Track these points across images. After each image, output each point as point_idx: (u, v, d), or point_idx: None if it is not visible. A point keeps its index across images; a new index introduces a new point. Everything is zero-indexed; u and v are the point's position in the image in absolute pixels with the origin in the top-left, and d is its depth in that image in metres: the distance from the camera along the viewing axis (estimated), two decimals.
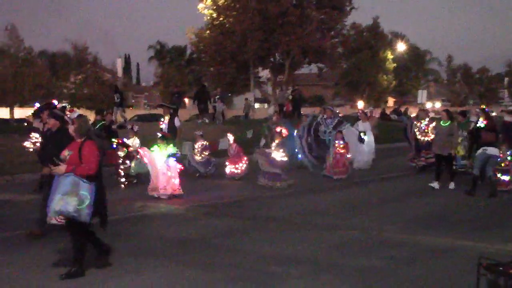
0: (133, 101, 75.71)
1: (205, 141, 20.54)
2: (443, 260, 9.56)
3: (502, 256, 7.07)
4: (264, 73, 51.65)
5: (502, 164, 16.40)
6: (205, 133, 22.06)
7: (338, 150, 19.65)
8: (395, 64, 70.02)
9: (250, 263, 9.39)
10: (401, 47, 73.09)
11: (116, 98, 34.38)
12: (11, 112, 47.84)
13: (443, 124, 17.23)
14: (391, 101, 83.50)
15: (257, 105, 45.02)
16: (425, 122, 20.86)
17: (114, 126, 21.18)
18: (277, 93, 46.06)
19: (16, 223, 12.68)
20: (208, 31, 44.47)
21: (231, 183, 18.58)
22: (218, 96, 42.21)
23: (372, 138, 23.10)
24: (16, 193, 16.68)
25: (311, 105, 70.30)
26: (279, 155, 17.41)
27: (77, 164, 8.51)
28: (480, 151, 16.15)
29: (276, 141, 17.78)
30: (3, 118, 43.18)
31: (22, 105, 48.61)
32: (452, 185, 17.04)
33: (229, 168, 19.58)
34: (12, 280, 8.69)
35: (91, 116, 44.87)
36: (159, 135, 16.51)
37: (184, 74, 62.00)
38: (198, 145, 20.42)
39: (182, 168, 16.32)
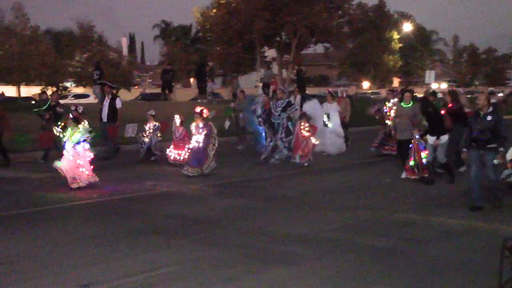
0: (138, 80, 75.51)
1: (157, 122, 19.05)
2: (458, 241, 9.56)
3: None
4: (270, 53, 51.46)
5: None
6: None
7: (302, 133, 17.98)
8: (401, 44, 69.77)
9: (264, 243, 9.43)
10: (407, 27, 72.68)
11: (95, 75, 33.77)
12: (18, 90, 47.90)
13: (404, 106, 15.88)
14: (396, 82, 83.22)
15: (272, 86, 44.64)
16: (389, 104, 19.10)
17: (59, 109, 19.56)
18: (262, 71, 45.43)
19: (26, 200, 12.89)
20: (214, 10, 44.28)
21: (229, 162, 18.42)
22: (213, 76, 42.03)
23: (337, 121, 21.13)
24: (24, 171, 16.80)
25: (316, 85, 70.20)
26: (201, 138, 15.93)
27: None
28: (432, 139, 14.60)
29: (196, 123, 16.05)
30: (10, 96, 43.17)
31: (28, 83, 48.64)
32: (404, 174, 15.45)
33: (173, 154, 18.19)
34: (37, 254, 8.81)
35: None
36: (71, 116, 14.82)
37: (189, 53, 61.90)
38: (149, 126, 18.92)
39: (93, 156, 14.57)
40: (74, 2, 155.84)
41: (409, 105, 15.74)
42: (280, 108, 18.79)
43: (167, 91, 37.46)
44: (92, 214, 11.67)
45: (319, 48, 49.79)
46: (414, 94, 17.70)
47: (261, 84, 39.58)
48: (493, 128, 11.46)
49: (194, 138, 16.06)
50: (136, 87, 64.81)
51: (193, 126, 16.16)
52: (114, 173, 16.67)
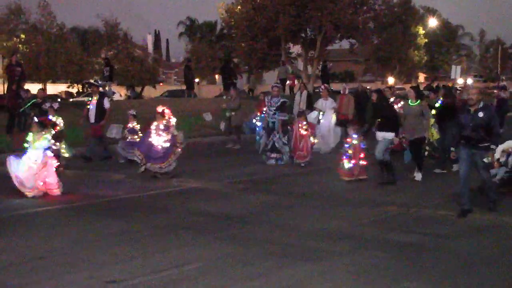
0: (163, 77, 75.73)
1: (137, 123, 18.09)
2: (485, 237, 9.54)
3: None
4: (295, 49, 51.31)
5: (349, 151, 14.72)
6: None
7: (300, 131, 17.27)
8: (426, 40, 69.29)
9: (290, 239, 9.42)
10: (432, 22, 72.14)
11: (105, 72, 33.60)
12: (44, 88, 48.23)
13: (411, 104, 14.70)
14: (422, 77, 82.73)
15: (288, 82, 44.76)
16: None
17: (46, 105, 18.26)
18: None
19: (61, 197, 12.97)
20: (239, 7, 44.27)
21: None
22: (241, 73, 41.88)
23: (331, 118, 20.10)
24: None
25: (341, 80, 69.97)
26: (161, 140, 15.08)
27: None
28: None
29: (157, 123, 15.24)
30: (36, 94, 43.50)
31: (54, 81, 48.99)
32: (419, 176, 14.69)
33: None
34: (66, 250, 8.92)
35: (121, 92, 45.43)
36: (36, 120, 13.89)
37: (214, 50, 61.98)
38: (129, 127, 17.98)
39: (57, 164, 13.41)
40: (100, 0, 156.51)
41: (416, 103, 14.64)
42: (274, 108, 17.83)
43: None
44: (118, 211, 11.72)
45: (345, 44, 49.55)
46: (445, 88, 17.20)
47: (277, 81, 39.58)
48: (486, 125, 10.64)
49: (154, 139, 15.11)
50: (161, 84, 65.02)
51: (153, 126, 15.28)
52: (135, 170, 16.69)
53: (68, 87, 50.79)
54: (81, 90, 50.96)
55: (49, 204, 12.20)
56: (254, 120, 21.15)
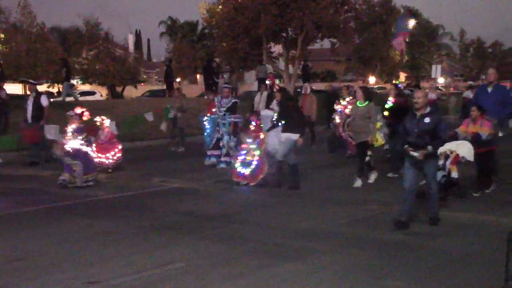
0: (144, 77, 75.47)
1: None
2: (466, 235, 9.60)
3: None
4: (277, 49, 51.40)
5: (248, 157, 14.20)
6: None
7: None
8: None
9: (273, 238, 9.43)
10: (413, 21, 72.45)
11: (63, 73, 33.38)
12: (24, 88, 47.96)
13: (359, 105, 14.00)
14: (402, 76, 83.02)
15: (268, 81, 44.85)
16: (344, 102, 18.06)
17: None
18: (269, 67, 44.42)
19: (38, 198, 12.94)
20: (220, 6, 44.26)
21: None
22: (222, 72, 41.99)
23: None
24: (31, 169, 16.87)
25: (323, 80, 70.10)
26: (77, 144, 14.29)
27: None
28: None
29: (73, 126, 14.42)
30: (18, 94, 43.17)
31: (34, 81, 48.65)
32: (358, 183, 13.85)
33: (98, 158, 16.07)
34: (49, 250, 8.86)
35: (103, 91, 45.14)
36: None
37: (196, 49, 61.90)
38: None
39: None
40: None
41: (364, 104, 13.94)
42: (225, 108, 17.23)
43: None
44: (102, 211, 11.72)
45: (326, 43, 49.67)
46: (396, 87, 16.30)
47: (255, 81, 39.59)
48: (433, 132, 9.85)
49: (70, 144, 14.28)
50: (142, 84, 64.83)
51: (69, 129, 14.46)
52: (117, 170, 16.56)
53: (49, 87, 50.42)
54: (61, 90, 50.68)
55: (29, 205, 12.13)
56: (204, 120, 19.34)
